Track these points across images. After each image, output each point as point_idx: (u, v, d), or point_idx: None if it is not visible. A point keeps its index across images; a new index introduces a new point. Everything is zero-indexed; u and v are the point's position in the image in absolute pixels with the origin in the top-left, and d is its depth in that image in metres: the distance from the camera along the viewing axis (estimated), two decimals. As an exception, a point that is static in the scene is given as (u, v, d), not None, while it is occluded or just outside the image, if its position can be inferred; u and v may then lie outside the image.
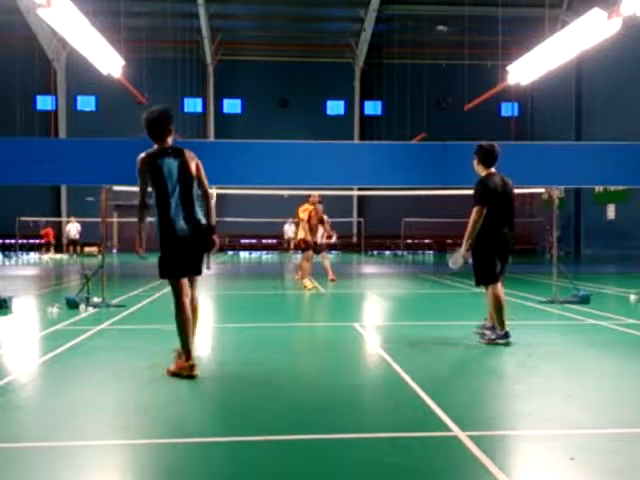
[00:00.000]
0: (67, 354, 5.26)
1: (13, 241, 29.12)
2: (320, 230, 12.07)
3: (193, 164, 4.54)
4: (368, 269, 16.49)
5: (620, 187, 23.68)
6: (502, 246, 5.68)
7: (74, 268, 18.49)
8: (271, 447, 3.05)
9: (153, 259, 4.54)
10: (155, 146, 4.54)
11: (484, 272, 5.65)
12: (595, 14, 11.75)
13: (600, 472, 2.73)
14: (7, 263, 22.39)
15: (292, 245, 23.16)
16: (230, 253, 31.64)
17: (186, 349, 4.42)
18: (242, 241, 33.59)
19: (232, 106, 36.02)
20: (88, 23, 12.67)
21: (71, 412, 3.62)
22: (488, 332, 5.72)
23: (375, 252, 33.16)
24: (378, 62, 34.63)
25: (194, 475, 2.75)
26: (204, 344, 6.05)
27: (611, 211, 28.20)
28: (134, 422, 3.51)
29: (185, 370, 4.38)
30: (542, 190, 13.18)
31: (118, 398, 4.01)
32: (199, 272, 4.63)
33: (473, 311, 8.30)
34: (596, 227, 29.26)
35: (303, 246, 11.61)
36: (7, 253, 27.65)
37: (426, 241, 34.30)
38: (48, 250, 27.00)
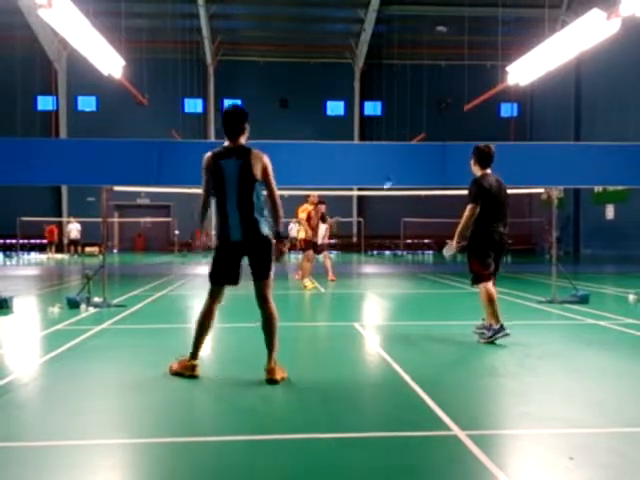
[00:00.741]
0: (68, 354, 5.27)
1: (14, 241, 29.14)
2: (322, 230, 12.18)
3: (258, 167, 4.27)
4: (368, 269, 16.50)
5: (619, 187, 23.69)
6: (495, 245, 5.82)
7: (75, 268, 18.50)
8: (270, 447, 3.06)
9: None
10: (225, 143, 4.40)
11: (477, 269, 5.83)
12: (594, 15, 11.76)
13: (599, 471, 2.74)
14: (8, 263, 22.39)
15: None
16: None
17: (193, 349, 4.44)
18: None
19: (232, 106, 36.02)
20: (89, 24, 12.68)
21: (71, 412, 3.63)
22: (486, 331, 5.77)
23: (375, 252, 33.17)
24: (378, 63, 34.65)
25: (194, 475, 2.76)
26: (207, 344, 6.07)
27: (610, 211, 28.22)
28: (134, 422, 3.52)
29: (187, 370, 4.40)
30: (541, 190, 13.20)
31: (118, 398, 4.02)
32: (263, 277, 4.37)
33: (473, 311, 8.31)
34: (595, 227, 29.27)
35: (303, 246, 11.64)
36: (8, 253, 27.66)
37: (426, 241, 34.30)
38: (51, 250, 27.02)
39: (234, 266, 4.38)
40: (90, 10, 16.09)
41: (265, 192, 4.40)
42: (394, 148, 12.40)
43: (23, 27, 30.48)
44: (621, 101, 26.59)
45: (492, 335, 5.68)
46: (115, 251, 32.91)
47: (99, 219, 9.84)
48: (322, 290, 11.26)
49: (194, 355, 4.44)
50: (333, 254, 26.82)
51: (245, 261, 4.44)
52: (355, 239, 34.77)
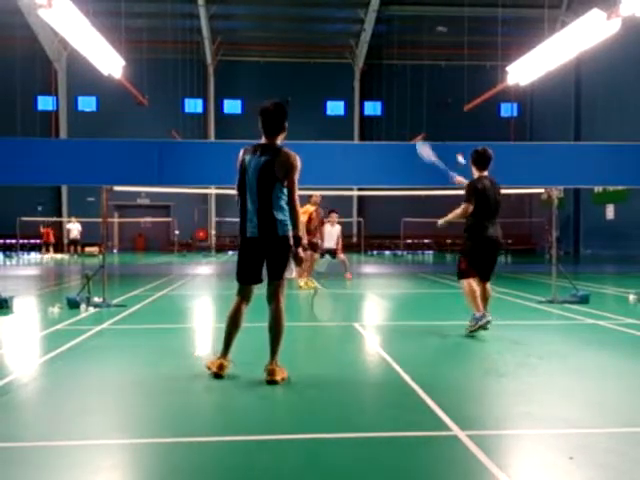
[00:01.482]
0: (68, 354, 5.27)
1: (14, 241, 29.15)
2: (335, 234, 12.93)
3: (283, 167, 4.21)
4: (368, 269, 16.52)
5: (619, 187, 23.69)
6: (486, 245, 6.08)
7: (75, 268, 18.50)
8: (270, 447, 3.06)
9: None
10: (262, 140, 4.32)
11: (463, 266, 6.13)
12: (594, 15, 11.76)
13: (599, 471, 2.74)
14: (8, 263, 22.40)
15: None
16: (231, 253, 31.65)
17: (223, 347, 4.40)
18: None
19: (232, 106, 36.03)
20: (89, 24, 12.68)
21: (71, 412, 3.63)
22: (469, 322, 6.04)
23: (375, 252, 33.17)
24: (378, 63, 34.67)
25: (194, 475, 2.76)
26: (205, 345, 6.07)
27: (610, 211, 28.22)
28: (134, 422, 3.52)
29: (214, 366, 4.34)
30: (541, 190, 13.21)
31: (118, 398, 4.02)
32: (276, 277, 4.30)
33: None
34: (595, 227, 29.28)
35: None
36: (8, 253, 27.67)
37: (426, 241, 34.31)
38: (48, 250, 27.00)
39: (254, 264, 4.32)
40: (90, 10, 16.09)
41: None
42: (394, 148, 12.40)
43: (23, 27, 30.50)
44: (621, 101, 26.59)
45: (475, 323, 5.92)
46: (115, 251, 32.92)
47: (99, 219, 9.84)
48: (321, 290, 11.26)
49: (224, 353, 4.39)
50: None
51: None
52: (355, 239, 34.78)
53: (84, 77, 30.11)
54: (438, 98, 34.03)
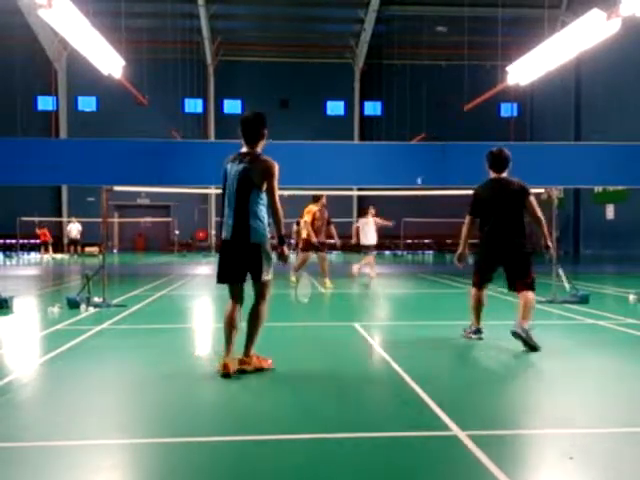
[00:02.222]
0: (68, 354, 5.27)
1: (14, 241, 29.14)
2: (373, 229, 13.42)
3: (260, 174, 4.39)
4: (368, 269, 16.45)
5: (619, 187, 23.69)
6: (492, 253, 5.69)
7: (75, 268, 18.50)
8: (270, 446, 3.06)
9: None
10: (243, 149, 4.54)
11: (474, 275, 5.91)
12: (594, 15, 11.75)
13: (599, 471, 2.74)
14: (8, 263, 22.39)
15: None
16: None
17: (225, 346, 4.49)
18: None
19: (232, 106, 36.03)
20: (89, 24, 12.67)
21: (71, 412, 3.63)
22: (468, 328, 5.97)
23: (375, 252, 33.15)
24: (378, 63, 34.65)
25: (194, 475, 2.76)
26: (204, 345, 6.07)
27: (610, 211, 28.22)
28: (134, 422, 3.52)
29: (220, 366, 4.41)
30: (541, 190, 13.20)
31: (118, 398, 4.02)
32: (256, 280, 4.49)
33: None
34: (595, 227, 29.27)
35: (302, 246, 11.64)
36: (8, 253, 27.66)
37: (425, 241, 34.31)
38: (47, 250, 26.98)
39: (229, 264, 4.49)
40: (90, 10, 16.08)
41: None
42: (394, 148, 12.41)
43: (23, 27, 30.48)
44: (621, 101, 26.58)
45: (469, 332, 5.87)
46: (115, 251, 32.92)
47: (99, 219, 9.84)
48: (322, 290, 11.27)
49: (226, 352, 4.48)
50: (334, 254, 26.83)
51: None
52: (355, 239, 34.74)
53: (84, 77, 30.10)
54: (438, 98, 34.01)
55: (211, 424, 3.47)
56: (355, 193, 27.43)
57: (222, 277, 4.53)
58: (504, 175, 5.82)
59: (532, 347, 5.20)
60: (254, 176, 4.39)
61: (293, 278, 11.31)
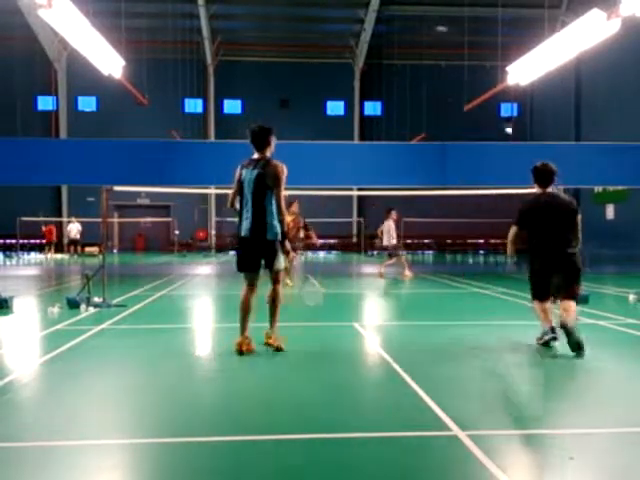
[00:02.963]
0: (68, 354, 5.27)
1: (14, 241, 29.13)
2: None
3: (271, 177, 5.07)
4: (368, 269, 16.48)
5: (619, 187, 23.68)
6: (543, 266, 5.66)
7: (75, 268, 18.50)
8: (270, 446, 3.06)
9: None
10: (254, 155, 5.23)
11: (531, 287, 5.78)
12: (594, 15, 11.74)
13: (599, 471, 2.74)
14: (8, 263, 22.39)
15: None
16: (231, 253, 31.67)
17: (240, 327, 5.18)
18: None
19: (232, 106, 36.02)
20: (89, 24, 12.67)
21: (71, 412, 3.63)
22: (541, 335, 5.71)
23: (375, 252, 33.15)
24: (378, 63, 34.64)
25: (194, 475, 2.76)
26: (204, 345, 6.07)
27: (610, 211, 28.21)
28: (134, 422, 3.52)
29: (238, 345, 5.11)
30: (542, 190, 13.18)
31: (118, 398, 4.02)
32: (270, 267, 5.24)
33: (472, 311, 8.32)
34: (595, 227, 29.24)
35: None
36: (8, 253, 27.66)
37: (425, 241, 34.31)
38: (50, 250, 26.99)
39: (247, 257, 5.23)
40: (90, 10, 16.07)
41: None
42: (394, 148, 12.41)
43: (23, 27, 30.46)
44: (621, 101, 26.58)
45: (542, 336, 5.62)
46: (115, 251, 32.91)
47: (99, 219, 9.84)
48: (322, 290, 11.27)
49: (242, 331, 5.17)
50: (333, 254, 26.86)
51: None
52: (355, 239, 34.78)
53: (84, 77, 30.07)
54: (438, 98, 34.00)
55: (211, 424, 3.47)
56: (355, 193, 27.44)
57: (242, 267, 5.27)
58: (550, 190, 5.75)
59: (577, 343, 5.13)
60: (268, 180, 5.08)
61: (288, 281, 11.35)
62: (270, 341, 5.27)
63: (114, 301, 8.71)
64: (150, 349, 5.56)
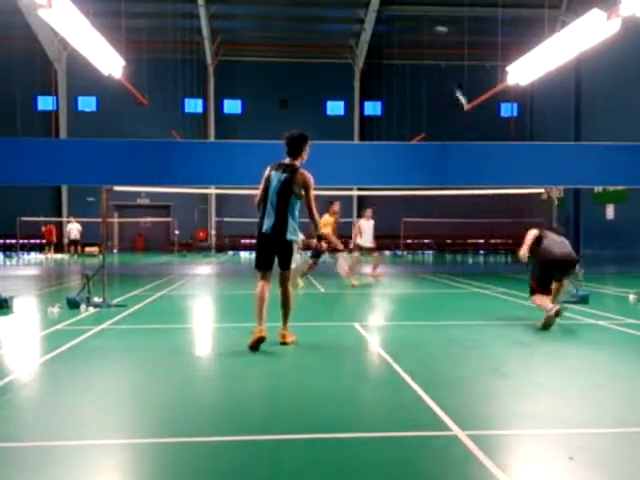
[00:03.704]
0: (68, 354, 5.27)
1: (14, 241, 29.13)
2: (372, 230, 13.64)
3: (299, 184, 5.35)
4: (368, 269, 16.44)
5: (619, 187, 23.68)
6: (553, 265, 6.68)
7: (75, 268, 18.50)
8: (270, 446, 3.06)
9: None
10: (285, 160, 5.48)
11: (533, 285, 6.80)
12: (594, 15, 11.74)
13: (599, 471, 2.74)
14: (8, 263, 22.39)
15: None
16: (231, 253, 31.68)
17: (257, 319, 5.35)
18: (242, 241, 33.61)
19: (232, 106, 36.03)
20: (89, 24, 12.67)
21: (71, 412, 3.63)
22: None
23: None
24: (378, 63, 34.64)
25: (194, 475, 2.76)
26: (207, 344, 6.07)
27: (610, 211, 28.21)
28: (134, 422, 3.52)
29: (255, 334, 5.23)
30: (541, 190, 13.20)
31: (118, 398, 4.02)
32: (284, 268, 5.54)
33: (472, 311, 8.32)
34: (595, 227, 29.25)
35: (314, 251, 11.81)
36: (8, 253, 27.65)
37: (425, 241, 34.31)
38: (50, 250, 26.98)
39: (266, 254, 5.47)
40: (90, 10, 16.07)
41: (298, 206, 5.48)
42: (394, 148, 12.40)
43: (23, 27, 30.46)
44: (621, 101, 26.58)
45: (547, 313, 6.48)
46: (115, 251, 32.91)
47: (99, 219, 9.84)
48: (322, 290, 11.27)
49: (259, 324, 5.32)
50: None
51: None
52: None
53: (84, 77, 30.08)
54: (438, 98, 34.03)
55: (211, 424, 3.47)
56: (355, 193, 27.44)
57: (261, 265, 5.50)
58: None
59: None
60: (295, 186, 5.35)
61: (301, 282, 11.34)
62: (286, 340, 5.54)
63: (114, 301, 8.71)
64: (150, 349, 5.56)
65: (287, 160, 5.50)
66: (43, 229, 27.26)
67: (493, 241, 34.86)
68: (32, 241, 30.55)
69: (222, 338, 6.33)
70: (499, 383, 4.34)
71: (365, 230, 13.25)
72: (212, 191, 22.80)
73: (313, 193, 5.46)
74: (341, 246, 12.29)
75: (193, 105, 35.19)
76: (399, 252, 31.64)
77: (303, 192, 5.40)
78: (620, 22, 11.48)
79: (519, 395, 3.98)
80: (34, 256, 27.90)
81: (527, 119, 36.26)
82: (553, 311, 6.38)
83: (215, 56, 34.66)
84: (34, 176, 10.33)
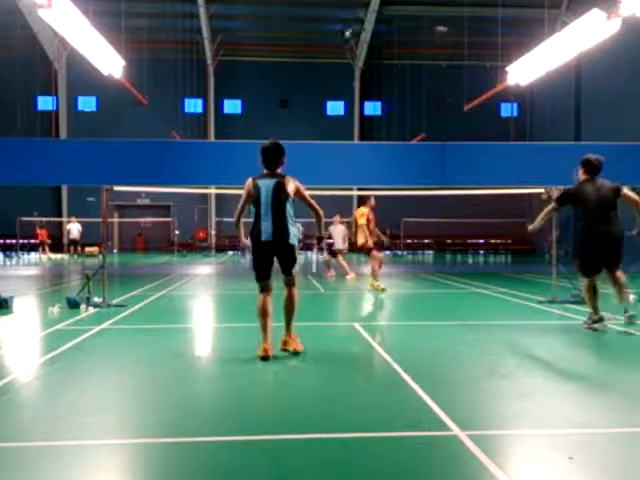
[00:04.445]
0: (68, 354, 5.27)
1: (14, 241, 29.13)
2: (343, 233, 14.07)
3: (291, 187, 5.14)
4: (368, 269, 16.47)
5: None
6: (595, 244, 6.43)
7: (75, 268, 18.50)
8: (270, 446, 3.06)
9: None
10: (265, 172, 5.22)
11: (579, 268, 6.58)
12: (594, 15, 11.75)
13: (598, 471, 2.74)
14: (8, 263, 22.39)
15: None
16: (230, 253, 31.67)
17: (262, 334, 5.11)
18: (242, 241, 33.55)
19: (232, 106, 36.03)
20: (89, 24, 12.69)
21: (72, 412, 3.63)
22: (588, 320, 6.51)
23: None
24: (378, 63, 34.65)
25: (194, 475, 2.76)
26: (207, 344, 6.07)
27: (610, 211, 28.17)
28: (134, 422, 3.52)
29: (260, 351, 5.01)
30: (541, 190, 13.21)
31: (118, 398, 4.02)
32: (287, 273, 5.30)
33: (472, 311, 8.32)
34: (596, 227, 29.22)
35: (366, 250, 11.05)
36: (8, 253, 27.65)
37: (425, 241, 34.32)
38: (44, 250, 26.93)
39: (266, 263, 5.21)
40: (90, 10, 16.08)
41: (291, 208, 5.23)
42: (394, 148, 12.40)
43: (23, 27, 30.46)
44: (621, 101, 26.57)
45: (591, 323, 6.39)
46: (115, 251, 32.92)
47: (99, 219, 9.84)
48: (322, 290, 11.27)
49: (264, 340, 5.09)
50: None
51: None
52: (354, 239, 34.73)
53: (84, 77, 30.10)
54: (438, 98, 34.03)
55: (211, 424, 3.47)
56: (355, 193, 27.44)
57: (261, 275, 5.24)
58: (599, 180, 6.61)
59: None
60: (287, 189, 5.13)
61: (380, 284, 10.79)
62: (288, 347, 5.27)
63: (114, 301, 8.71)
64: (150, 349, 5.56)
65: (266, 172, 5.24)
66: (38, 231, 27.18)
67: (493, 241, 34.87)
68: (32, 241, 30.54)
69: (222, 338, 6.33)
70: (499, 383, 4.34)
71: (336, 234, 14.09)
72: (212, 191, 22.81)
73: (307, 193, 5.35)
74: (386, 239, 12.48)
75: (193, 105, 35.20)
76: (399, 252, 31.65)
77: (298, 197, 5.24)
78: (620, 22, 11.50)
79: (519, 395, 3.97)
80: (34, 256, 27.90)
81: (527, 119, 36.26)
82: (595, 326, 6.30)
83: (215, 56, 34.66)
84: (34, 176, 10.34)
